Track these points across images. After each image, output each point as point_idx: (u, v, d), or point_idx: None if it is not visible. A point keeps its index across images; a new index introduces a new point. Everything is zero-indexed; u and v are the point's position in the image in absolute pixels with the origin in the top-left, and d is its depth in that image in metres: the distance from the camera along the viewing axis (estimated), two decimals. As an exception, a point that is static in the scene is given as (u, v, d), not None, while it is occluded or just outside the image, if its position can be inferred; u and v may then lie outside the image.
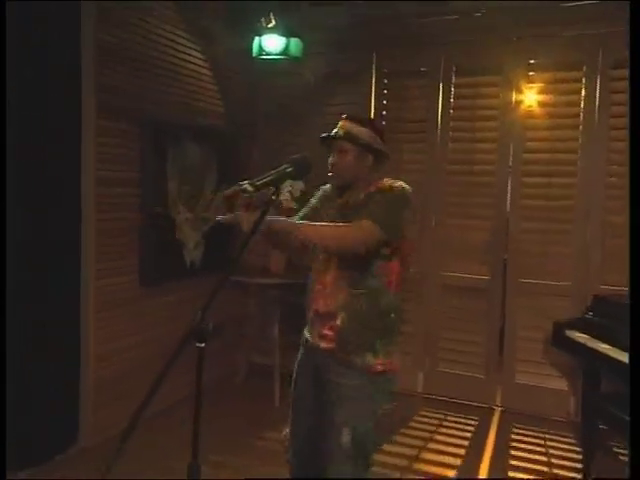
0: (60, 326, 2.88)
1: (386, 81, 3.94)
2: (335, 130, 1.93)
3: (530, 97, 3.59)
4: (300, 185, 3.79)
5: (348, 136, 1.88)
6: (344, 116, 1.97)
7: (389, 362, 1.84)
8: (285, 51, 3.80)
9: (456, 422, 3.59)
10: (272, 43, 3.77)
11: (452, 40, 3.72)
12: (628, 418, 2.52)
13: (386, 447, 3.05)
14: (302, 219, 1.97)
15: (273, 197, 1.51)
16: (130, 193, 3.25)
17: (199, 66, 3.72)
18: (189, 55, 3.62)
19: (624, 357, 2.64)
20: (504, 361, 3.82)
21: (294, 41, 3.78)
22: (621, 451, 3.11)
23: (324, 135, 1.95)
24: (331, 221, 1.88)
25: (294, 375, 2.02)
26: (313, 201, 2.09)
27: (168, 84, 3.46)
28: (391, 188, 1.82)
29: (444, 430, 3.49)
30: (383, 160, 1.95)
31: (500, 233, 3.75)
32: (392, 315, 1.85)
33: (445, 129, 3.78)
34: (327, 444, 1.80)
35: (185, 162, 3.57)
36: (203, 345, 1.29)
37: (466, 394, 3.83)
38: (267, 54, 3.81)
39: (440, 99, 3.78)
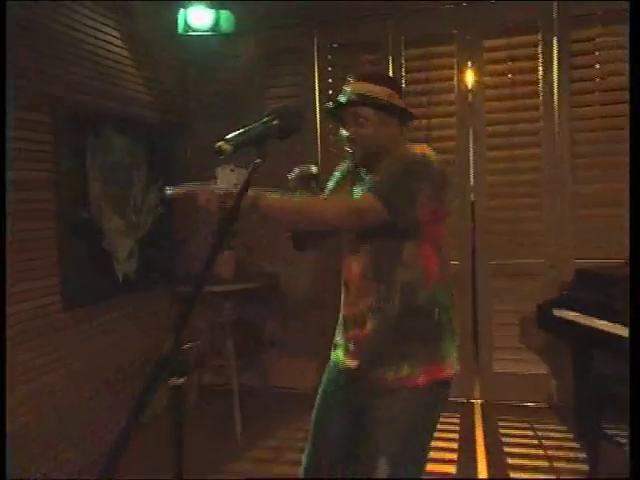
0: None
1: (330, 57, 3.58)
2: (344, 95, 1.56)
3: (486, 66, 3.35)
4: (312, 168, 3.31)
5: (363, 98, 1.52)
6: (351, 77, 1.60)
7: (436, 369, 1.47)
8: (215, 26, 3.35)
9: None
10: (199, 17, 3.30)
11: (398, 9, 3.41)
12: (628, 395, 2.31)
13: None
14: None
15: (257, 161, 1.10)
16: (42, 198, 2.67)
17: (118, 46, 3.17)
18: (106, 34, 3.06)
19: (624, 332, 2.44)
20: (480, 350, 3.57)
21: (224, 14, 3.33)
22: (618, 433, 2.94)
23: (331, 105, 1.59)
24: None
25: (317, 397, 1.66)
26: (334, 181, 1.71)
27: (81, 66, 2.89)
28: (406, 156, 1.46)
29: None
30: (408, 121, 1.61)
31: (465, 213, 3.49)
32: (436, 313, 1.48)
33: (398, 106, 3.47)
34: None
35: (108, 158, 3.02)
36: (182, 381, 0.85)
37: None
38: (194, 30, 3.34)
39: (390, 73, 3.46)
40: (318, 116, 3.61)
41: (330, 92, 3.57)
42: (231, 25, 3.37)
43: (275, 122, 1.15)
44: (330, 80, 3.59)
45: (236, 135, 1.09)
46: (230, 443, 3.13)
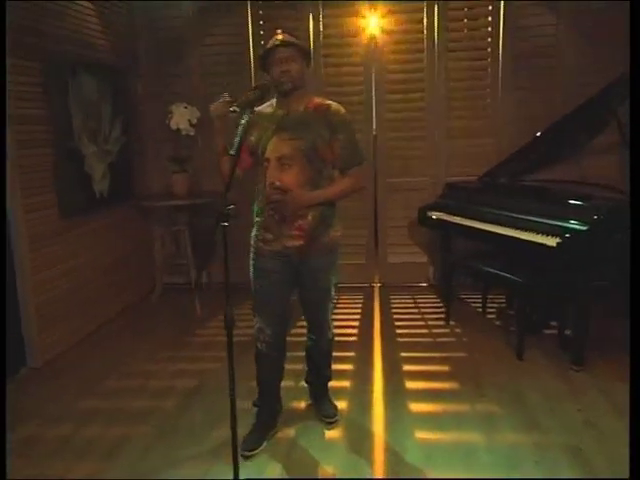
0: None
1: (261, 12, 4.33)
2: (282, 39, 2.16)
3: (387, 25, 4.29)
4: (196, 112, 4.13)
5: (295, 44, 2.15)
6: (280, 31, 2.21)
7: (340, 228, 2.39)
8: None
9: (347, 301, 4.42)
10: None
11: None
12: (476, 265, 3.53)
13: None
14: (238, 144, 2.01)
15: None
16: (39, 129, 3.34)
17: (85, 2, 3.76)
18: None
19: (471, 223, 3.63)
20: (379, 247, 4.73)
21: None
22: (465, 296, 4.25)
23: (278, 42, 2.14)
24: (276, 136, 2.19)
25: (256, 278, 2.33)
26: (243, 123, 2.04)
27: (60, 20, 3.49)
28: (344, 117, 2.25)
29: (339, 310, 4.11)
30: (309, 64, 2.29)
31: (369, 142, 4.51)
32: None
33: (318, 56, 4.33)
34: (320, 299, 2.41)
35: (84, 96, 3.69)
36: (227, 224, 1.78)
37: (351, 278, 4.66)
38: (147, -14, 3.96)
39: (310, 27, 4.30)
40: (252, 60, 4.40)
41: (262, 42, 4.34)
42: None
43: (258, 93, 2.01)
44: (262, 32, 4.36)
45: (240, 102, 1.94)
46: (194, 318, 4.12)
